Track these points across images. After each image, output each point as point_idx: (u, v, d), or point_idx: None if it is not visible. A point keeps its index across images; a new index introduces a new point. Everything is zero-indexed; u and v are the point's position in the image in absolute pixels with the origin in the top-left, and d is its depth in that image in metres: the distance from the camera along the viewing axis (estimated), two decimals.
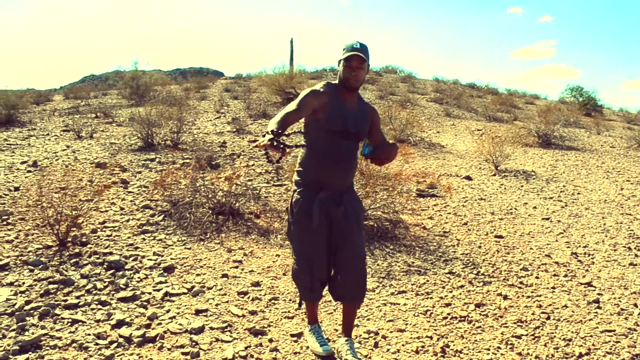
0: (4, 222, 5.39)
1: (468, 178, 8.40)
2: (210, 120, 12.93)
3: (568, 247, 5.45)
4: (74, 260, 4.51)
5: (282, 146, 2.24)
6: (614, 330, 3.63)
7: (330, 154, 2.85)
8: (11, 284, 4.03)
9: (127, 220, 5.62)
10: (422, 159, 9.79)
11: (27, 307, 3.68)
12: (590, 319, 3.81)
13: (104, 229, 5.33)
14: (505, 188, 7.95)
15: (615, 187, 8.43)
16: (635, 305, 4.07)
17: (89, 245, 4.86)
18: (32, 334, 3.33)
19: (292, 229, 2.99)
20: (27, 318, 3.53)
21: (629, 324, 3.74)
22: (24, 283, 4.04)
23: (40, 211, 5.28)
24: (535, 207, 6.95)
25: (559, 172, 9.45)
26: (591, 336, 3.55)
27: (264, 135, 2.28)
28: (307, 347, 3.29)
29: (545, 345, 3.41)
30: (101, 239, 5.05)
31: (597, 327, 3.68)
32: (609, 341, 3.49)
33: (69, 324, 3.52)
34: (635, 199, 7.69)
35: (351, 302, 3.05)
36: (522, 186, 8.13)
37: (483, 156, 9.78)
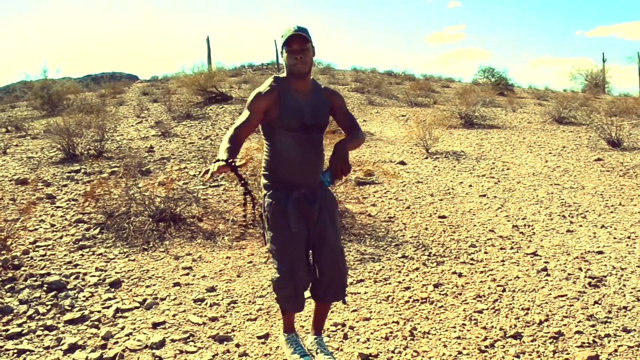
0: None
1: (402, 163, 8.55)
2: (132, 125, 12.47)
3: (508, 220, 5.65)
4: (8, 285, 4.19)
5: (234, 166, 2.40)
6: (566, 295, 3.79)
7: (294, 151, 2.66)
8: None
9: (61, 237, 5.29)
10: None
11: None
12: (542, 287, 3.96)
13: (36, 249, 4.99)
14: (439, 170, 8.15)
15: (540, 160, 8.83)
16: (580, 269, 4.27)
17: (22, 268, 4.53)
18: None
19: (269, 237, 2.74)
20: None
21: (578, 287, 3.92)
22: None
23: None
24: (470, 186, 7.16)
25: (486, 150, 9.79)
26: (546, 303, 3.69)
27: (215, 162, 2.39)
28: (277, 348, 3.21)
29: (506, 317, 3.50)
30: (35, 260, 4.73)
31: (550, 294, 3.83)
32: (564, 306, 3.63)
33: (15, 355, 3.25)
34: (560, 169, 8.10)
35: (331, 302, 2.92)
36: (454, 166, 8.36)
37: (413, 140, 9.98)
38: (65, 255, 4.85)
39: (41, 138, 11.19)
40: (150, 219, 5.48)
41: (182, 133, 11.18)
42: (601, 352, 3.02)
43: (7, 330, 3.52)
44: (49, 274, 4.41)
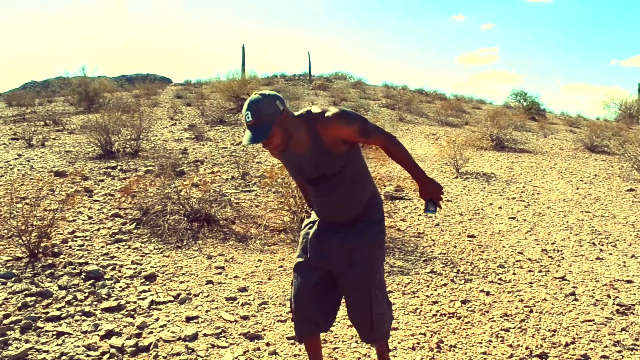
0: None
1: None
2: (166, 127, 12.72)
3: (537, 244, 5.66)
4: (48, 271, 4.36)
5: None
6: (593, 320, 3.81)
7: (315, 198, 2.55)
8: None
9: (98, 230, 5.47)
10: (385, 163, 9.93)
11: (6, 321, 3.53)
12: (570, 311, 3.98)
13: (74, 239, 5.18)
14: (469, 190, 8.17)
15: (571, 186, 8.79)
16: (609, 296, 4.27)
17: (61, 256, 4.71)
18: (17, 348, 3.21)
19: None
20: (8, 332, 3.39)
21: (605, 314, 3.93)
22: None
23: (3, 222, 5.10)
24: (500, 207, 7.17)
25: (516, 173, 9.78)
26: (573, 326, 3.71)
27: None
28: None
29: (532, 337, 3.54)
30: (73, 249, 4.90)
31: (578, 318, 3.85)
32: (590, 330, 3.65)
33: (54, 336, 3.40)
34: (591, 197, 8.05)
35: (365, 342, 2.85)
36: (484, 187, 8.37)
37: (444, 159, 10.01)
38: (102, 246, 5.02)
39: (78, 133, 11.51)
40: (185, 219, 5.64)
41: (214, 137, 11.38)
42: None
43: (47, 312, 3.68)
44: (87, 263, 4.57)
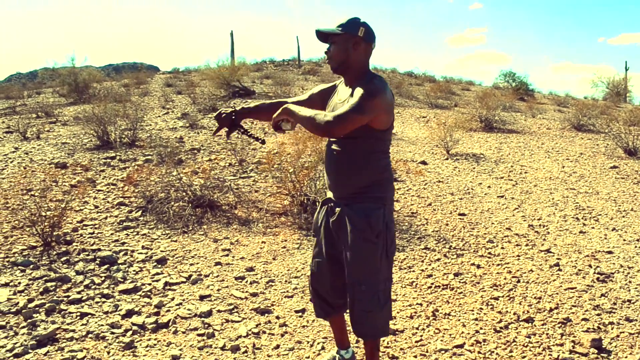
0: None
1: (423, 163, 8.88)
2: (159, 116, 12.87)
3: (524, 220, 5.98)
4: (64, 258, 4.61)
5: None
6: (575, 288, 4.14)
7: (325, 157, 2.61)
8: (7, 284, 4.11)
9: (105, 218, 5.71)
10: None
11: (30, 305, 3.79)
12: (554, 280, 4.31)
13: (84, 227, 5.42)
14: (459, 170, 8.47)
15: (557, 165, 9.12)
16: (590, 266, 4.60)
17: (74, 244, 4.95)
18: (45, 329, 3.47)
19: None
20: (34, 315, 3.65)
21: (587, 282, 4.26)
22: (19, 283, 4.13)
23: (12, 214, 5.33)
24: (489, 187, 7.48)
25: (505, 153, 10.09)
26: (557, 294, 4.04)
27: None
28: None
29: (520, 304, 3.86)
30: (84, 237, 5.15)
31: (561, 286, 4.18)
32: (573, 297, 3.98)
33: (78, 317, 3.67)
34: (576, 175, 8.39)
35: (358, 336, 2.68)
36: (474, 168, 8.67)
37: (434, 142, 10.30)
38: (111, 234, 5.27)
39: (72, 125, 11.66)
40: (189, 205, 5.89)
41: (209, 125, 11.56)
42: (604, 337, 3.37)
43: (68, 296, 3.94)
44: (99, 249, 4.83)
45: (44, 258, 4.60)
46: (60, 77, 17.85)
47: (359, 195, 2.47)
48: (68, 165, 7.95)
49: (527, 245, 5.17)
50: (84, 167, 7.91)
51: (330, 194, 2.63)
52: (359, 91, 2.30)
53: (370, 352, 2.71)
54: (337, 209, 2.53)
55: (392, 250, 2.53)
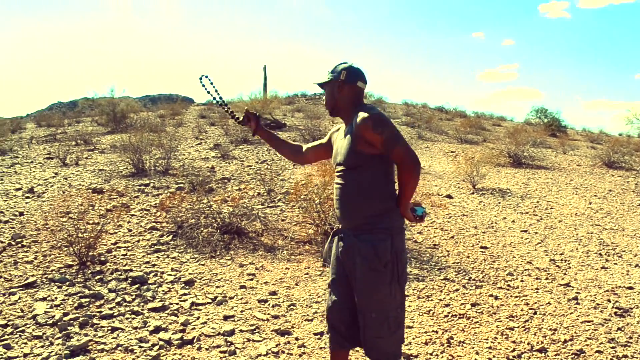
0: (19, 245, 5.70)
1: (449, 197, 8.97)
2: (192, 146, 13.25)
3: (546, 254, 6.02)
4: (97, 277, 4.86)
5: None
6: (592, 321, 4.18)
7: (334, 189, 2.70)
8: (44, 299, 4.37)
9: (138, 241, 5.97)
10: None
11: (65, 318, 4.03)
12: (571, 313, 4.36)
13: (117, 249, 5.68)
14: (484, 205, 8.54)
15: (584, 201, 9.11)
16: (609, 300, 4.64)
17: (108, 264, 5.21)
18: (78, 340, 3.69)
19: None
20: (69, 327, 3.88)
21: (604, 316, 4.30)
22: (56, 298, 4.39)
23: (51, 234, 5.63)
24: (513, 221, 7.54)
25: (532, 189, 10.11)
26: (573, 326, 4.09)
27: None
28: None
29: (535, 335, 3.93)
30: (118, 258, 5.40)
31: (578, 319, 4.23)
32: (589, 329, 4.04)
33: (109, 331, 3.88)
34: (603, 211, 8.38)
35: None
36: (499, 203, 8.74)
37: (460, 176, 10.40)
38: (143, 256, 5.51)
39: (109, 152, 12.12)
40: (218, 231, 6.12)
41: (240, 156, 11.88)
42: None
43: (100, 312, 4.17)
44: (131, 270, 5.07)
45: (79, 276, 4.86)
46: (99, 107, 18.49)
47: (367, 226, 2.53)
48: (104, 190, 8.29)
49: (547, 278, 5.22)
50: (119, 193, 8.24)
51: (340, 225, 2.73)
52: (367, 127, 2.45)
53: None
54: (346, 240, 2.61)
55: (403, 278, 2.58)
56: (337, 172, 2.66)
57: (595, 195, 9.69)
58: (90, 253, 5.31)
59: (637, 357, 3.61)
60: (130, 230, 6.34)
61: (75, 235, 5.24)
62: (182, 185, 8.74)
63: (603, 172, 12.83)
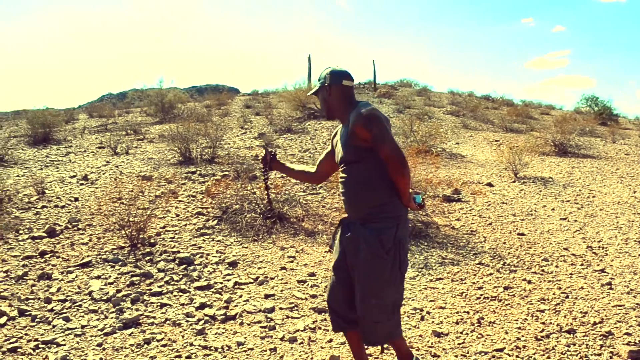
0: (75, 228, 6.09)
1: (489, 185, 8.99)
2: (237, 135, 13.58)
3: (584, 241, 6.03)
4: (147, 258, 5.19)
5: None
6: (624, 305, 4.22)
7: (340, 184, 2.85)
8: (99, 277, 4.72)
9: (185, 225, 6.29)
10: (445, 168, 10.39)
11: (118, 295, 4.35)
12: (603, 297, 4.41)
13: (166, 232, 6.01)
14: (524, 193, 8.54)
15: (628, 190, 8.97)
16: None
17: (157, 246, 5.53)
18: (130, 314, 4.00)
19: None
20: (122, 303, 4.19)
21: (637, 301, 4.33)
22: (110, 276, 4.72)
23: (104, 218, 6.00)
24: (553, 209, 7.53)
25: (575, 178, 10.00)
26: (604, 310, 4.15)
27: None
28: None
29: (564, 317, 4.01)
30: (166, 241, 5.72)
31: (609, 303, 4.28)
32: (619, 313, 4.08)
33: (159, 306, 4.18)
34: None
35: (364, 342, 2.89)
36: (540, 191, 8.71)
37: (503, 165, 10.37)
38: (190, 239, 5.82)
39: (157, 142, 12.57)
40: (260, 216, 6.38)
41: (283, 145, 12.14)
42: None
43: (150, 289, 4.48)
44: (179, 251, 5.38)
45: (130, 257, 5.19)
46: (148, 98, 19.03)
47: (373, 215, 2.67)
48: (153, 178, 8.68)
49: (582, 265, 5.26)
50: (167, 180, 8.61)
51: (347, 215, 2.87)
52: (361, 125, 2.60)
53: (397, 348, 2.95)
54: (353, 228, 2.74)
55: (405, 265, 2.70)
56: (341, 169, 2.82)
57: None
58: (141, 236, 5.64)
59: None
60: (177, 215, 6.67)
61: (127, 219, 5.58)
62: (227, 172, 9.04)
63: None
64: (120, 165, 9.81)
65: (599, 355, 3.44)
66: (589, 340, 3.64)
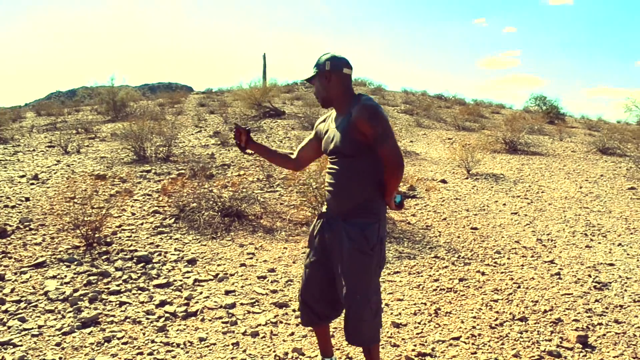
0: (27, 228, 5.94)
1: (443, 181, 9.22)
2: (192, 134, 13.45)
3: (534, 234, 6.28)
4: (104, 257, 5.11)
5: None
6: (572, 294, 4.44)
7: (327, 175, 2.78)
8: (54, 277, 4.62)
9: (142, 224, 6.21)
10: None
11: (75, 294, 4.27)
12: (553, 287, 4.62)
13: (122, 231, 5.93)
14: (477, 189, 8.79)
15: (575, 186, 9.37)
16: (590, 276, 4.90)
17: (113, 245, 5.45)
18: (89, 313, 3.93)
19: None
20: (79, 302, 4.12)
21: (584, 289, 4.56)
22: (65, 276, 4.63)
23: (58, 218, 5.88)
24: (504, 204, 7.79)
25: (525, 174, 10.36)
26: (554, 298, 4.35)
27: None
28: None
29: (517, 306, 4.19)
30: (123, 239, 5.65)
31: (558, 292, 4.49)
32: (568, 301, 4.30)
33: (118, 305, 4.13)
34: (592, 195, 8.62)
35: (350, 343, 2.77)
36: (492, 187, 8.98)
37: (456, 162, 10.63)
38: (147, 237, 5.75)
39: (109, 141, 12.33)
40: (218, 214, 6.36)
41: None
42: (591, 335, 3.68)
43: (108, 288, 4.42)
44: (136, 250, 5.32)
45: (86, 256, 5.11)
46: (99, 96, 18.62)
47: (357, 210, 2.63)
48: (107, 177, 8.52)
49: (532, 256, 5.48)
50: (122, 179, 8.48)
51: (326, 209, 2.82)
52: (365, 120, 2.52)
53: (370, 357, 2.84)
54: (335, 223, 2.69)
55: (383, 263, 2.70)
56: (331, 159, 2.74)
57: (587, 180, 9.94)
58: (97, 235, 5.55)
59: (611, 325, 3.86)
60: (133, 214, 6.58)
61: (82, 218, 5.48)
62: (183, 171, 8.96)
63: (597, 158, 13.06)
64: (72, 164, 9.59)
65: (550, 340, 3.61)
66: (540, 327, 3.81)
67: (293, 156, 3.11)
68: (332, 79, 2.69)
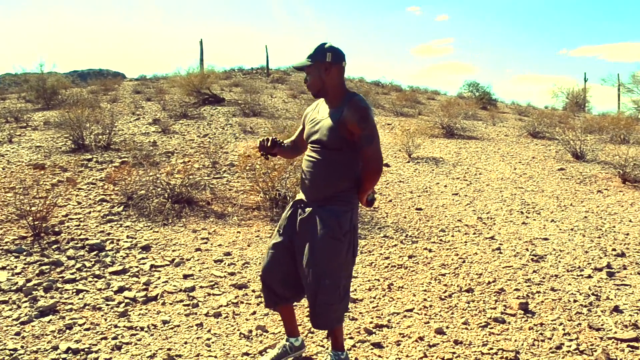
0: None
1: (386, 165, 9.50)
2: (130, 122, 13.19)
3: (474, 213, 6.64)
4: (54, 246, 5.04)
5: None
6: (512, 266, 4.79)
7: (303, 163, 2.82)
8: (4, 268, 4.53)
9: (89, 212, 6.13)
10: None
11: (29, 284, 4.21)
12: (494, 260, 4.95)
13: (70, 220, 5.83)
14: (419, 172, 9.12)
15: (509, 167, 9.88)
16: (527, 249, 5.28)
17: (62, 234, 5.37)
18: (46, 302, 3.91)
19: None
20: (34, 292, 4.08)
21: (522, 262, 4.92)
22: (16, 267, 4.55)
23: None
24: (445, 186, 8.15)
25: (463, 157, 10.81)
26: (496, 271, 4.68)
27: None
28: None
29: (463, 279, 4.48)
30: (71, 228, 5.57)
31: (500, 265, 4.82)
32: (509, 273, 4.64)
33: (74, 293, 4.12)
34: (526, 176, 9.14)
35: (314, 327, 2.82)
36: (433, 170, 9.34)
37: (397, 146, 10.96)
38: (96, 226, 5.69)
39: (42, 129, 11.91)
40: (168, 201, 6.36)
41: (181, 130, 11.98)
42: (531, 302, 4.02)
43: (62, 277, 4.38)
44: (87, 238, 5.27)
45: (35, 246, 5.01)
46: (27, 83, 17.85)
47: (332, 198, 2.69)
48: (46, 166, 8.29)
49: (474, 233, 5.81)
50: (62, 168, 8.26)
51: (301, 196, 2.85)
52: (354, 120, 2.57)
53: (335, 337, 2.94)
54: (308, 209, 2.73)
55: (356, 250, 2.78)
56: (313, 147, 2.76)
57: (520, 162, 10.49)
58: (44, 225, 5.44)
59: (548, 293, 4.22)
60: (80, 203, 6.47)
61: (26, 208, 5.36)
62: (126, 159, 8.83)
63: (528, 141, 13.74)
64: (6, 155, 9.23)
65: (494, 308, 3.91)
66: (485, 297, 4.11)
67: (298, 145, 3.12)
68: (332, 71, 2.68)
